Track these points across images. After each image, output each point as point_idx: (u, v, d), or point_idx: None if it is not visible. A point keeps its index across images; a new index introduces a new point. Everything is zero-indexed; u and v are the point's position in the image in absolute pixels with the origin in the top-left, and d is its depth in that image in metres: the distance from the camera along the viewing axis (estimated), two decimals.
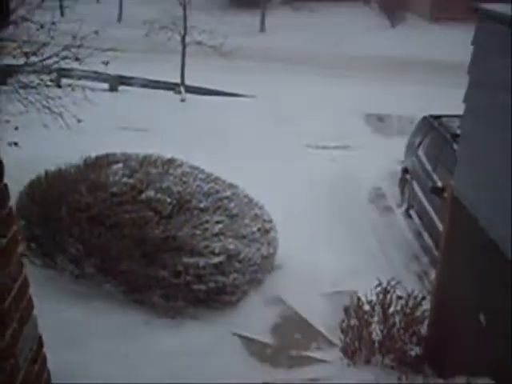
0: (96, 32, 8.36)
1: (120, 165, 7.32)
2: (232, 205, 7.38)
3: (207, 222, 6.90)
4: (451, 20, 34.78)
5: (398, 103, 19.51)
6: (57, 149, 10.43)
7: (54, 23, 8.22)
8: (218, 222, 6.98)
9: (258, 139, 14.86)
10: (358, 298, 5.86)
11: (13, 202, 5.70)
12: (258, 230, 7.41)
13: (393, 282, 5.86)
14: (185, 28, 19.84)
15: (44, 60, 8.37)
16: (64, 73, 22.25)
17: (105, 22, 34.57)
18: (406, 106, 18.57)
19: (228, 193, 7.55)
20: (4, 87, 16.43)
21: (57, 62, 9.03)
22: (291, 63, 27.31)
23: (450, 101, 14.18)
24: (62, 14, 32.20)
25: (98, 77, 21.76)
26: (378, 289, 5.81)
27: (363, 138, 16.37)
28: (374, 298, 5.84)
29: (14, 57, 9.03)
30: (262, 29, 36.27)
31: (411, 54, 29.44)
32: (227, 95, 20.65)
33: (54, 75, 21.48)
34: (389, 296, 5.76)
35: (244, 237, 7.13)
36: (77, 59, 7.82)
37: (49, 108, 8.37)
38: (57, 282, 6.66)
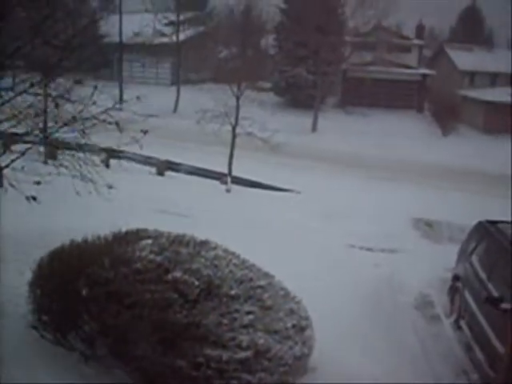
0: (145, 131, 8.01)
1: (149, 241, 6.83)
2: (266, 295, 6.73)
3: (237, 311, 6.25)
4: (503, 132, 34.52)
5: (447, 210, 18.96)
6: (89, 220, 10.07)
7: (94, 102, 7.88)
8: (248, 313, 6.32)
9: (301, 234, 14.32)
10: None
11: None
12: (293, 326, 6.71)
13: None
14: (236, 118, 19.94)
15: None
16: (114, 154, 22.58)
17: (161, 111, 35.88)
18: (455, 213, 18.00)
19: (263, 282, 6.92)
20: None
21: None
22: (340, 164, 27.23)
23: (498, 211, 13.59)
24: (121, 99, 33.37)
25: (146, 160, 21.95)
26: None
27: (411, 242, 15.71)
28: None
29: None
30: (314, 129, 36.59)
31: (461, 162, 29.10)
32: (273, 189, 20.39)
33: (103, 155, 21.77)
34: None
35: (276, 332, 6.43)
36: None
37: (81, 174, 8.03)
38: (65, 361, 6.04)
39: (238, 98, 20.19)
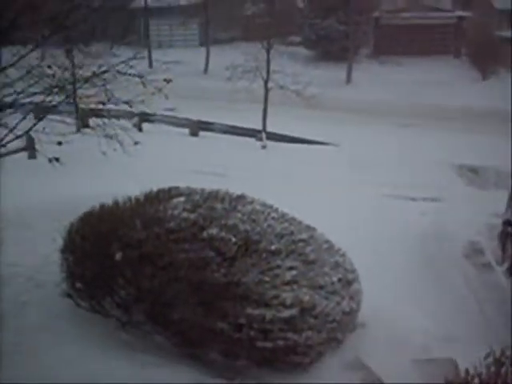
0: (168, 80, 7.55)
1: (182, 198, 6.46)
2: (309, 249, 6.32)
3: (278, 267, 5.86)
4: None
5: (491, 155, 18.22)
6: (121, 184, 9.79)
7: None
8: (290, 269, 5.93)
9: (340, 186, 13.86)
10: (466, 371, 4.63)
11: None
12: (339, 280, 6.31)
13: (508, 352, 4.62)
14: (268, 72, 19.37)
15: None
16: (145, 117, 22.34)
17: (192, 72, 35.33)
18: (499, 158, 17.25)
19: (304, 235, 6.50)
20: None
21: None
22: (376, 115, 26.47)
23: None
24: (151, 64, 32.99)
25: (178, 122, 21.65)
26: (489, 359, 4.58)
27: (455, 190, 15.15)
28: (482, 370, 4.61)
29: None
30: (348, 80, 35.66)
31: (503, 106, 27.92)
32: (309, 143, 19.89)
33: (135, 119, 21.54)
34: (503, 369, 4.52)
35: (321, 287, 6.04)
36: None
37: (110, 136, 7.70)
38: (102, 329, 5.77)
39: (268, 52, 19.56)
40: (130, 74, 6.81)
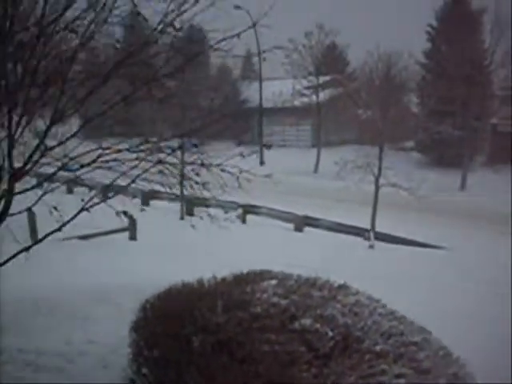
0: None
1: (273, 281, 5.59)
2: (422, 355, 5.17)
3: (383, 372, 4.75)
4: None
5: None
6: (212, 271, 9.09)
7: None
8: (398, 376, 4.80)
9: (456, 294, 12.41)
10: None
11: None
12: None
13: None
14: (379, 169, 18.53)
15: None
16: (250, 209, 22.01)
17: (302, 171, 35.27)
18: None
19: (417, 338, 5.36)
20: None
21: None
22: (489, 222, 24.66)
23: None
24: (262, 162, 33.24)
25: (283, 216, 21.11)
26: None
27: None
28: None
29: None
30: (462, 187, 34.12)
31: None
32: (420, 246, 18.54)
33: (239, 211, 21.26)
34: None
35: None
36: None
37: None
38: None
39: (381, 149, 18.85)
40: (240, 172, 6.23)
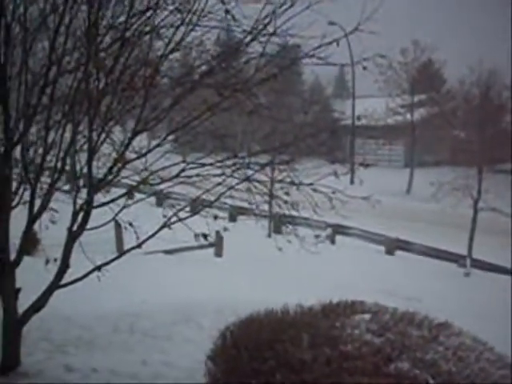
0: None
1: (366, 316, 5.01)
2: None
3: None
4: None
5: None
6: (299, 294, 8.60)
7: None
8: None
9: None
10: None
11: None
12: None
13: None
14: (479, 192, 17.42)
15: None
16: (340, 229, 21.34)
17: (394, 192, 34.26)
18: None
19: None
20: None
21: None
22: None
23: None
24: (353, 181, 32.44)
25: (374, 238, 20.34)
26: None
27: None
28: None
29: None
30: None
31: None
32: None
33: (329, 231, 20.64)
34: None
35: None
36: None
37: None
38: None
39: (480, 170, 17.76)
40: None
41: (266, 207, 7.33)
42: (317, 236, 6.89)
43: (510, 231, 18.05)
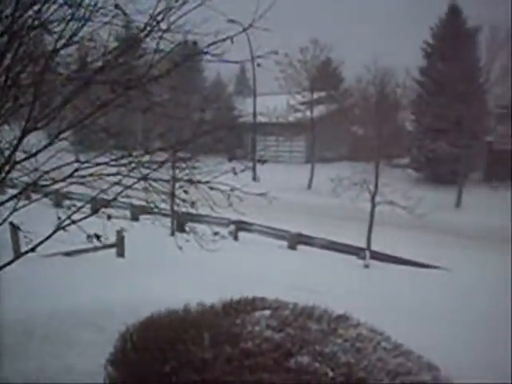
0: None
1: (267, 312, 5.04)
2: None
3: None
4: None
5: None
6: (202, 292, 8.57)
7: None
8: None
9: (460, 318, 11.89)
10: None
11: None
12: None
13: None
14: (376, 186, 18.07)
15: None
16: (242, 226, 21.46)
17: (295, 188, 34.88)
18: None
19: (426, 376, 4.83)
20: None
21: None
22: (488, 241, 24.24)
23: None
24: (255, 178, 32.75)
25: (277, 234, 20.59)
26: None
27: None
28: None
29: None
30: (458, 204, 33.77)
31: None
32: (417, 265, 18.04)
33: (232, 227, 20.71)
34: None
35: None
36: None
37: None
38: None
39: (377, 165, 18.40)
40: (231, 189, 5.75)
41: (168, 206, 7.25)
42: (215, 233, 6.84)
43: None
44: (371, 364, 4.65)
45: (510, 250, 18.62)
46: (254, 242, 20.32)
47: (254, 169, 33.69)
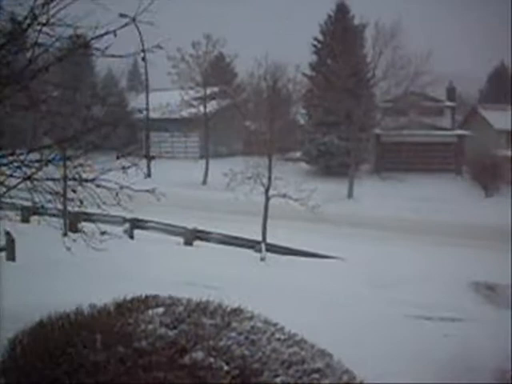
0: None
1: (160, 310, 5.00)
2: (326, 382, 4.79)
3: None
4: None
5: (507, 272, 16.83)
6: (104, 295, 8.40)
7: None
8: None
9: (350, 303, 12.32)
10: None
11: None
12: None
13: None
14: (269, 179, 18.33)
15: None
16: (138, 224, 21.12)
17: (190, 183, 34.75)
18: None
19: (319, 364, 4.97)
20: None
21: None
22: (380, 230, 25.33)
23: None
24: (149, 174, 32.33)
25: (173, 230, 20.43)
26: None
27: (474, 309, 13.69)
28: None
29: None
30: (350, 195, 34.94)
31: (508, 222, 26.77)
32: (313, 256, 18.50)
33: (127, 226, 20.32)
34: None
35: None
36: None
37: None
38: None
39: (270, 159, 18.67)
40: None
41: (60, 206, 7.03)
42: (102, 233, 6.71)
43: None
44: (266, 355, 4.73)
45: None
46: (149, 239, 20.05)
47: (148, 166, 33.37)
